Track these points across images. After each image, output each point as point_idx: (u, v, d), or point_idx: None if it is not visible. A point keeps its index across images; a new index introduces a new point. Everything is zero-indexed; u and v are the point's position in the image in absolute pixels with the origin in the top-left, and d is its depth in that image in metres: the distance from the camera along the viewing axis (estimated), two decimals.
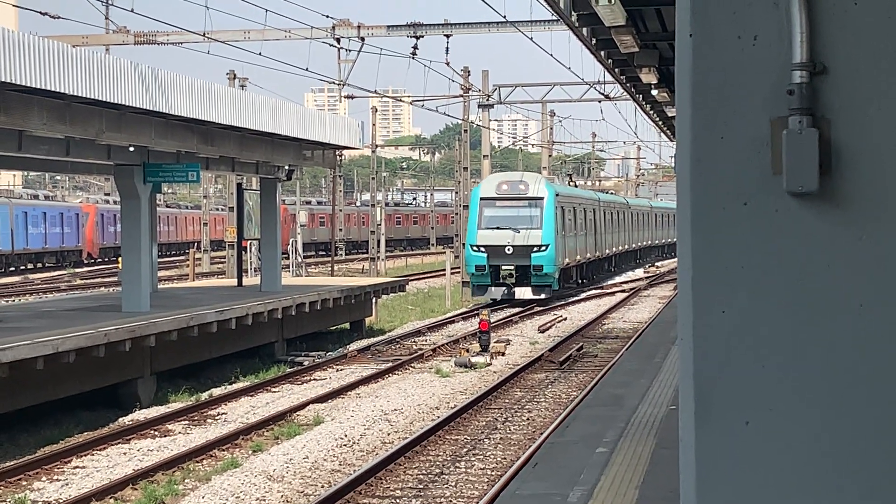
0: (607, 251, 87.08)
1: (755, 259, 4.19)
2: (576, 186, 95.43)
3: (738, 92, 4.20)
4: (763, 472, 4.23)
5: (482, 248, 61.08)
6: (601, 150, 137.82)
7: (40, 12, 36.92)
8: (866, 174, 4.13)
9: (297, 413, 26.79)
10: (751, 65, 4.20)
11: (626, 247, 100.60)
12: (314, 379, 33.42)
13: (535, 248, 60.96)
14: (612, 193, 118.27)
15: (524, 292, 61.60)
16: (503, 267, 61.86)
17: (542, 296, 60.94)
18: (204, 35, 43.38)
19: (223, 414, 27.65)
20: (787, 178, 4.08)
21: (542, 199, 63.48)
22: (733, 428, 4.23)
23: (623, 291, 70.65)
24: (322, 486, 19.68)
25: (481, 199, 63.95)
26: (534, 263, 60.70)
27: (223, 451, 22.55)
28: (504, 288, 61.29)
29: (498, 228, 61.66)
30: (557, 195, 64.87)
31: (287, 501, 18.82)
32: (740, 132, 4.21)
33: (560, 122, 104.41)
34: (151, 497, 18.69)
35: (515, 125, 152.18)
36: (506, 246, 60.62)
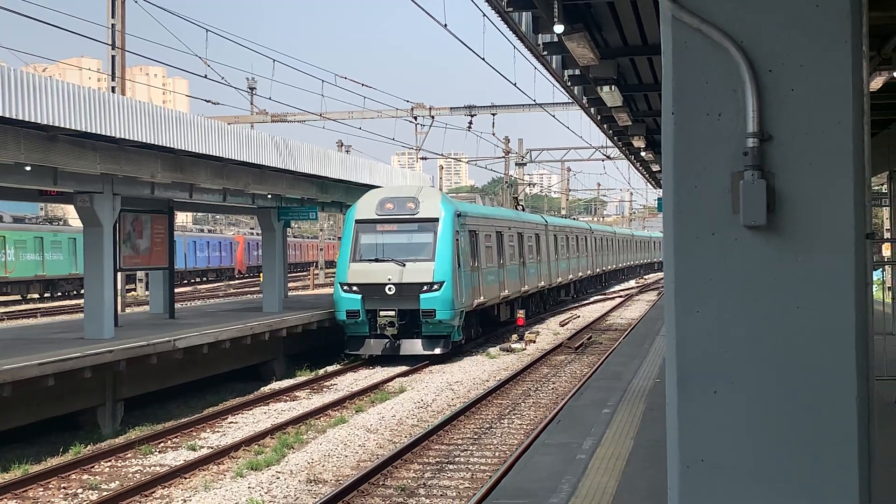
0: (559, 279, 55.95)
1: (721, 274, 4.17)
2: (523, 210, 64.37)
3: (707, 153, 4.18)
4: (726, 428, 4.21)
5: (356, 288, 35.12)
6: (604, 195, 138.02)
7: (205, 100, 37.22)
8: (800, 213, 4.11)
9: (387, 384, 26.86)
10: (716, 134, 4.17)
11: (590, 272, 69.36)
12: (399, 360, 33.50)
13: (426, 287, 34.16)
14: (574, 219, 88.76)
15: (412, 346, 34.64)
16: (382, 313, 34.56)
17: (437, 350, 33.83)
18: (320, 115, 43.67)
19: (334, 384, 27.77)
20: (743, 216, 4.09)
21: (436, 220, 35.73)
22: (704, 396, 4.22)
23: (620, 297, 66.29)
24: (405, 437, 19.69)
25: (357, 221, 36.67)
26: (423, 307, 33.71)
27: (335, 411, 22.60)
28: (386, 341, 34.43)
29: (377, 261, 35.36)
30: (460, 215, 37.39)
31: (380, 447, 18.83)
32: (709, 182, 4.18)
33: (574, 175, 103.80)
34: (284, 444, 18.75)
35: (542, 177, 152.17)
36: (386, 284, 34.41)
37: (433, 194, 35.82)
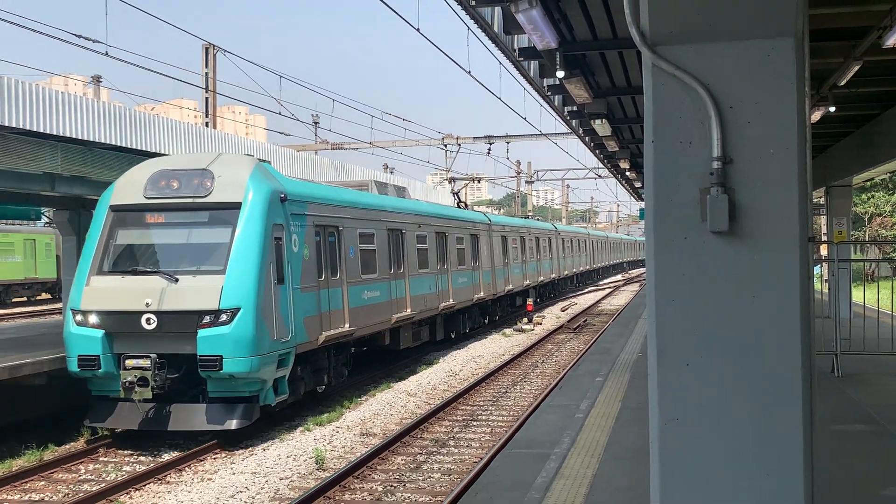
0: (509, 287, 36.90)
1: (692, 270, 4.16)
2: (465, 207, 39.19)
3: (680, 173, 4.17)
4: (696, 393, 4.20)
5: (94, 319, 15.39)
6: (597, 207, 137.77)
7: (279, 132, 37.37)
8: (756, 221, 4.10)
9: (423, 357, 26.80)
10: (688, 158, 4.17)
11: (554, 275, 50.19)
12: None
13: (208, 319, 15.06)
14: (537, 219, 61.16)
15: (190, 416, 15.27)
16: (129, 362, 14.89)
17: (233, 424, 15.11)
18: (370, 143, 43.70)
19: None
20: (710, 223, 4.09)
21: (236, 207, 15.94)
22: (678, 367, 4.21)
23: (609, 288, 65.00)
24: (438, 399, 19.69)
25: (112, 209, 16.54)
26: (202, 353, 14.88)
27: (381, 380, 22.59)
28: (151, 405, 15.10)
29: (133, 273, 15.80)
30: (289, 200, 16.93)
31: (418, 407, 18.83)
32: (682, 196, 4.18)
33: (572, 190, 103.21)
34: (343, 405, 18.76)
35: (546, 192, 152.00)
36: (143, 313, 15.10)
37: (238, 164, 16.86)
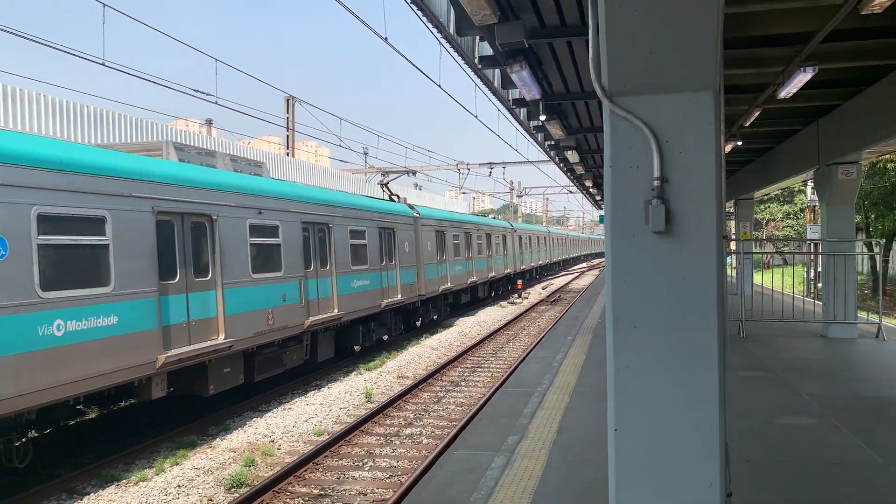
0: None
1: (638, 258, 4.14)
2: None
3: (630, 189, 4.15)
4: (642, 348, 4.18)
5: None
6: (568, 214, 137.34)
7: (339, 160, 37.41)
8: (685, 224, 4.08)
9: (443, 322, 26.76)
10: (636, 178, 4.14)
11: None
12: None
13: None
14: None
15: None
16: None
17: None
18: (405, 167, 43.61)
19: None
20: (651, 225, 4.06)
21: None
22: (628, 329, 4.18)
23: (577, 273, 63.76)
24: (452, 352, 19.65)
25: None
26: None
27: (412, 338, 22.56)
28: None
29: None
30: None
31: (439, 358, 18.81)
32: (632, 206, 4.15)
33: (550, 202, 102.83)
34: (384, 356, 18.75)
35: (532, 203, 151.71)
36: None
37: None
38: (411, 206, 22.63)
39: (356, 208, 17.45)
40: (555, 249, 56.99)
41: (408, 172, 39.47)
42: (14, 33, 12.29)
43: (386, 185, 25.43)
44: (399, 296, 20.08)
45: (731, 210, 27.87)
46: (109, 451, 10.61)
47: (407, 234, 21.00)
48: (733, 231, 27.74)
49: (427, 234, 23.02)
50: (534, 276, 50.70)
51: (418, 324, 23.47)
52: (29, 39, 12.30)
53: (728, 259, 30.25)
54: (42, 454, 10.30)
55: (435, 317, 25.04)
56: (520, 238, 40.98)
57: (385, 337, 20.48)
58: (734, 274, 28.76)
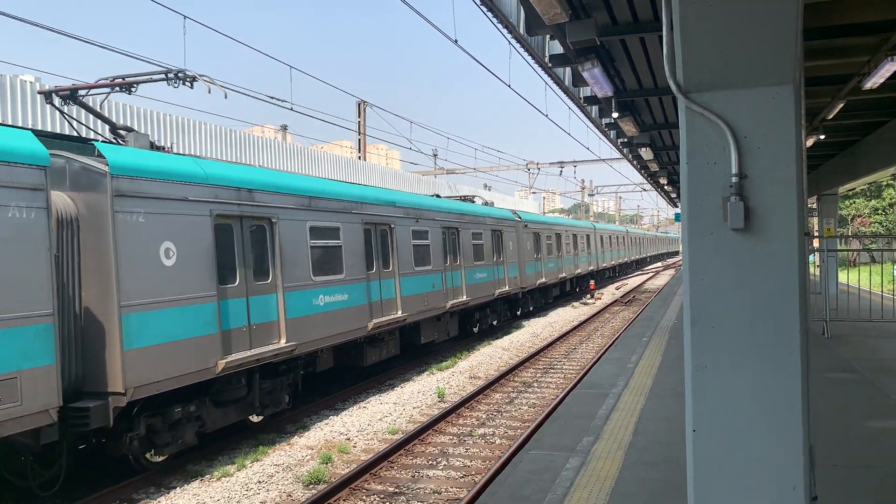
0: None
1: (716, 257, 4.08)
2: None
3: (707, 186, 4.09)
4: (720, 347, 4.12)
5: None
6: (642, 213, 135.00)
7: (410, 162, 37.77)
8: (765, 220, 4.00)
9: (514, 322, 26.72)
10: (713, 174, 4.08)
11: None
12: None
13: None
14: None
15: None
16: None
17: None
18: (474, 168, 43.70)
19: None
20: (730, 222, 4.01)
21: None
22: (706, 328, 4.12)
23: (652, 272, 62.72)
24: (524, 353, 19.62)
25: None
26: None
27: (483, 339, 22.64)
28: None
29: None
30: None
31: (510, 358, 18.81)
32: (709, 203, 4.10)
33: (623, 200, 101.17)
34: (456, 356, 18.86)
35: (603, 202, 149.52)
36: None
37: None
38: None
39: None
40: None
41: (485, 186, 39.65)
42: (104, 47, 12.91)
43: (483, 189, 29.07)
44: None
45: (814, 206, 26.92)
46: (192, 448, 11.01)
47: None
48: (816, 228, 26.77)
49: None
50: (609, 275, 50.13)
51: (518, 312, 26.14)
52: (119, 53, 12.90)
53: (811, 257, 29.22)
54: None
55: (531, 308, 28.27)
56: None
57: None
58: (817, 272, 27.74)
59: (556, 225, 31.92)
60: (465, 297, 19.70)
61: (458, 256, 19.54)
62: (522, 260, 25.66)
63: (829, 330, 15.19)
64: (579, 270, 36.46)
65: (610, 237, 47.00)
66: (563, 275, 32.48)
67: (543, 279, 28.68)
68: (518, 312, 25.99)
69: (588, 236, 39.61)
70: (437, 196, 21.06)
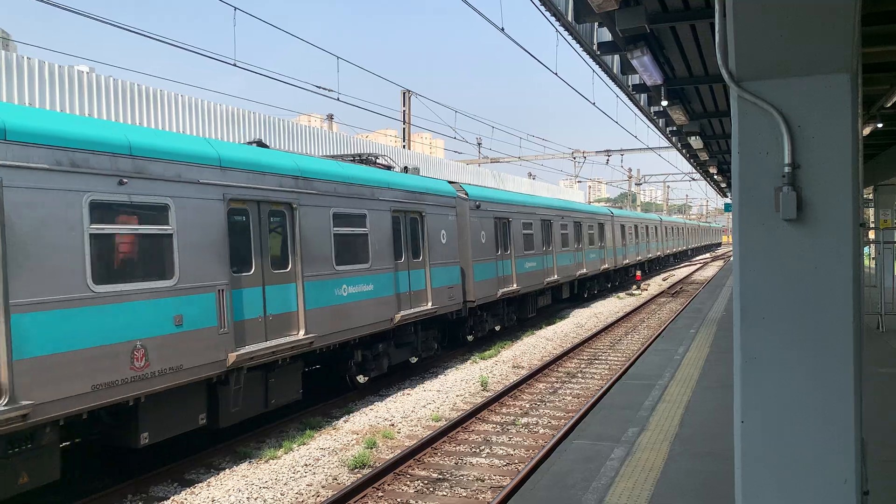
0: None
1: (768, 248, 4.04)
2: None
3: (760, 176, 4.05)
4: (770, 339, 4.09)
5: None
6: (691, 203, 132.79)
7: (455, 151, 37.78)
8: (818, 211, 3.95)
9: (558, 312, 26.61)
10: (765, 164, 4.04)
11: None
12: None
13: None
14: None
15: None
16: None
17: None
18: (518, 157, 43.50)
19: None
20: (782, 213, 3.96)
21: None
22: (756, 321, 4.09)
23: (700, 263, 61.90)
24: (568, 343, 19.56)
25: None
26: None
27: (526, 329, 22.61)
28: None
29: None
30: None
31: (554, 348, 18.77)
32: (761, 193, 4.05)
33: (672, 190, 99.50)
34: (499, 346, 18.87)
35: (651, 192, 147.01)
36: None
37: None
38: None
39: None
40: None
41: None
42: (152, 37, 13.20)
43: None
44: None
45: (870, 197, 26.21)
46: (241, 430, 11.28)
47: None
48: (872, 219, 26.08)
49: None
50: (660, 265, 49.36)
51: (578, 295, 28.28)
52: (167, 43, 13.18)
53: (866, 249, 28.50)
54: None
55: (585, 294, 29.91)
56: (646, 228, 42.84)
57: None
58: (873, 265, 27.04)
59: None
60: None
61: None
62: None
63: (884, 324, 14.83)
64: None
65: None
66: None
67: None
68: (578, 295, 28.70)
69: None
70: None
